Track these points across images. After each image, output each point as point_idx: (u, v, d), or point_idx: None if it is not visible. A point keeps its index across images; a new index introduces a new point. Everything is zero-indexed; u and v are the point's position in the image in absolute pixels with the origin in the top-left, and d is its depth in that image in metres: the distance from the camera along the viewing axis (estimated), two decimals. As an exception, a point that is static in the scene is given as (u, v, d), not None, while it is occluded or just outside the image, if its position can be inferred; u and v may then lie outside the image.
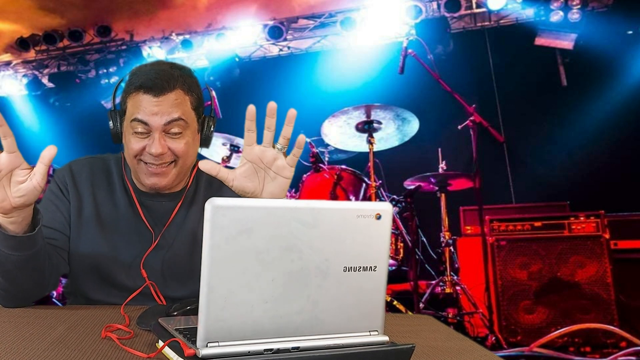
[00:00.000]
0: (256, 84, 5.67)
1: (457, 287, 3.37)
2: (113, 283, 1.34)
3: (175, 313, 0.99)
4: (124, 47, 5.93)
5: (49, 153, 1.03)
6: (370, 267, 0.80)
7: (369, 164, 3.38)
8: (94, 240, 1.35)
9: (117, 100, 1.37)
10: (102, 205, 1.37)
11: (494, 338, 3.02)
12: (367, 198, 3.35)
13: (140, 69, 1.32)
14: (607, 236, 3.09)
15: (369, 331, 0.82)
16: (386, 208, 0.80)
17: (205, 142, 1.41)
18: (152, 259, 1.34)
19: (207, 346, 0.71)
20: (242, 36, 5.62)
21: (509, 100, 4.98)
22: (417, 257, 3.53)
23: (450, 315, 3.26)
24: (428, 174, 3.63)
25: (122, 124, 1.33)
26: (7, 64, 6.38)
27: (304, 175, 3.50)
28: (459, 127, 3.48)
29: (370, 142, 3.40)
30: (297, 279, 0.75)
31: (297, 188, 3.55)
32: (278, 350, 0.74)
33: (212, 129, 1.41)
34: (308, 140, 3.52)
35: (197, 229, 1.38)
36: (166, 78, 1.28)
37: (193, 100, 1.33)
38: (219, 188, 1.46)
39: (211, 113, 1.42)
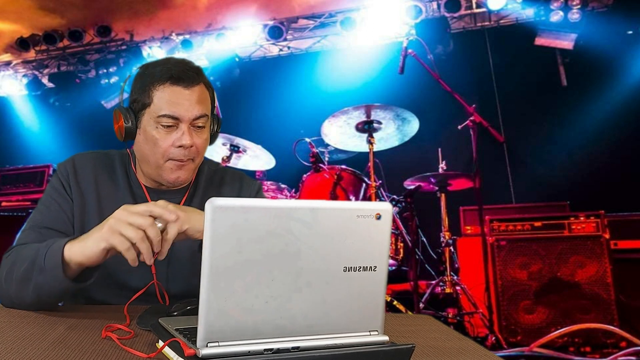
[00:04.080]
0: (256, 84, 5.68)
1: (457, 287, 3.37)
2: (116, 282, 1.33)
3: (175, 313, 0.99)
4: (124, 47, 5.93)
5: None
6: (370, 267, 0.80)
7: (369, 164, 3.38)
8: None
9: (125, 96, 1.36)
10: (105, 201, 1.35)
11: (494, 338, 3.02)
12: (367, 198, 3.34)
13: (159, 63, 1.31)
14: (607, 236, 3.09)
15: (369, 331, 0.82)
16: (386, 208, 0.80)
17: (212, 140, 1.43)
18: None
19: (207, 346, 0.71)
20: (242, 36, 5.62)
21: (509, 100, 4.98)
22: (417, 257, 3.53)
23: (450, 315, 3.25)
24: (428, 174, 3.63)
25: (140, 119, 1.30)
26: (7, 64, 6.38)
27: (304, 175, 3.50)
28: (459, 127, 3.48)
29: (370, 142, 3.40)
30: (297, 279, 0.75)
31: (297, 188, 3.55)
32: (278, 350, 0.74)
33: (218, 128, 1.43)
34: (308, 140, 3.52)
35: None
36: (194, 70, 1.29)
37: (211, 97, 1.36)
38: (219, 184, 1.47)
39: (214, 111, 1.43)
